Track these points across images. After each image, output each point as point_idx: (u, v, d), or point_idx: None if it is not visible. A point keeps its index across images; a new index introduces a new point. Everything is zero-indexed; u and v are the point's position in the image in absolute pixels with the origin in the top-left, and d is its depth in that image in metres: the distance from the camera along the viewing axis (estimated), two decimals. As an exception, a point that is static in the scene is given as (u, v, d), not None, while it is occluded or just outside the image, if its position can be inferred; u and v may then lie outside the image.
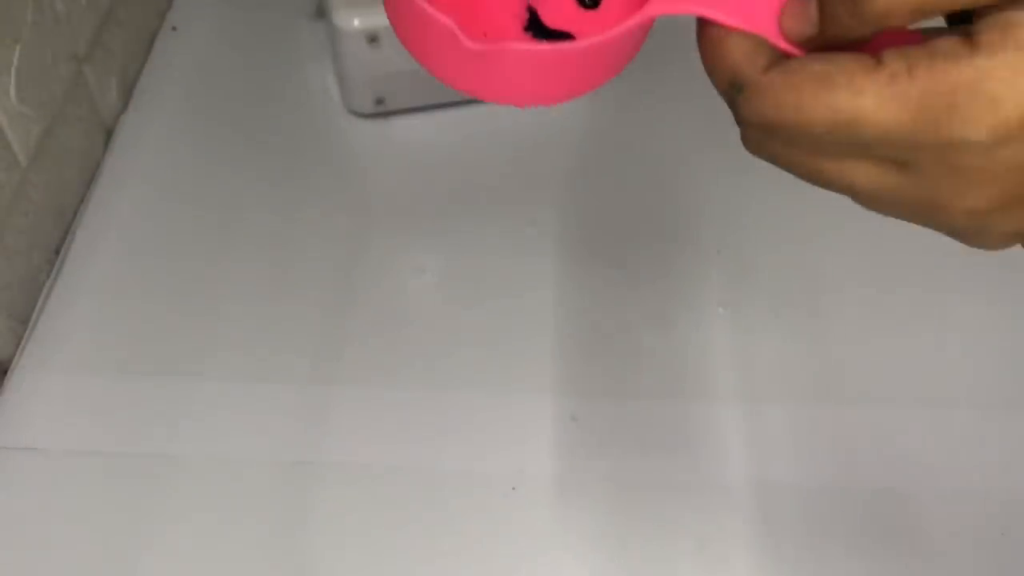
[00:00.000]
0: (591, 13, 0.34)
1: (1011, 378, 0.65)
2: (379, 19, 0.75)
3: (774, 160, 0.33)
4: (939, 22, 0.31)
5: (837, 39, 0.31)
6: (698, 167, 0.77)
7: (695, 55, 0.32)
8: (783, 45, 0.31)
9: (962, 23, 0.29)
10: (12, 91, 0.66)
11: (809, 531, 0.59)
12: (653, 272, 0.71)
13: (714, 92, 0.32)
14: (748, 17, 0.30)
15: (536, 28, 0.34)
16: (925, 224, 0.33)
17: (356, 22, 0.75)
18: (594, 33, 0.30)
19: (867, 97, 0.29)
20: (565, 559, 0.58)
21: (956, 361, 0.66)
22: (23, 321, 0.68)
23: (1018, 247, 0.32)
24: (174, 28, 0.89)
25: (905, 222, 0.32)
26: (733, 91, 0.32)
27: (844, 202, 0.33)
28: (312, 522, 0.59)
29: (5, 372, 0.66)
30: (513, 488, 0.60)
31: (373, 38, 0.75)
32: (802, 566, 0.58)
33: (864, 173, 0.31)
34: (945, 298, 0.69)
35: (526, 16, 0.33)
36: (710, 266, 0.71)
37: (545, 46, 0.29)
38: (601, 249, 0.72)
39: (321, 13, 0.82)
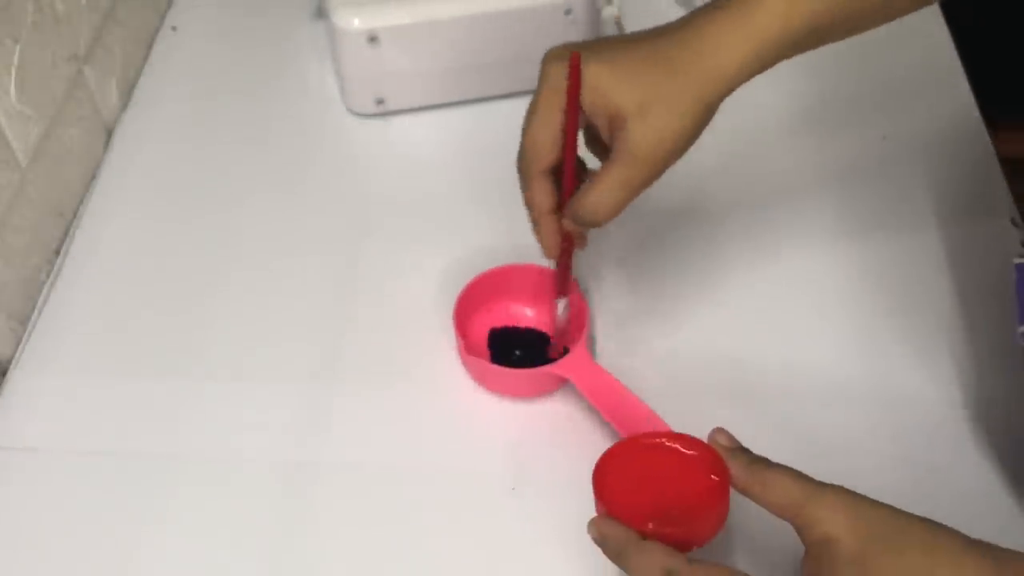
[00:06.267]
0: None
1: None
2: (379, 19, 0.75)
3: None
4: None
5: None
6: (698, 167, 0.77)
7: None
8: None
9: None
10: (12, 91, 0.66)
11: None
12: (654, 271, 0.71)
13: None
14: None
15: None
16: None
17: (356, 22, 0.75)
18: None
19: None
20: (565, 559, 0.58)
21: (957, 361, 0.66)
22: (23, 321, 0.68)
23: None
24: (174, 28, 0.89)
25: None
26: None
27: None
28: (312, 522, 0.59)
29: (5, 372, 0.66)
30: (513, 488, 0.61)
31: (373, 38, 0.75)
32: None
33: None
34: (945, 300, 0.69)
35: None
36: (711, 265, 0.71)
37: (507, 369, 0.64)
38: (601, 248, 0.72)
39: (321, 13, 0.82)
